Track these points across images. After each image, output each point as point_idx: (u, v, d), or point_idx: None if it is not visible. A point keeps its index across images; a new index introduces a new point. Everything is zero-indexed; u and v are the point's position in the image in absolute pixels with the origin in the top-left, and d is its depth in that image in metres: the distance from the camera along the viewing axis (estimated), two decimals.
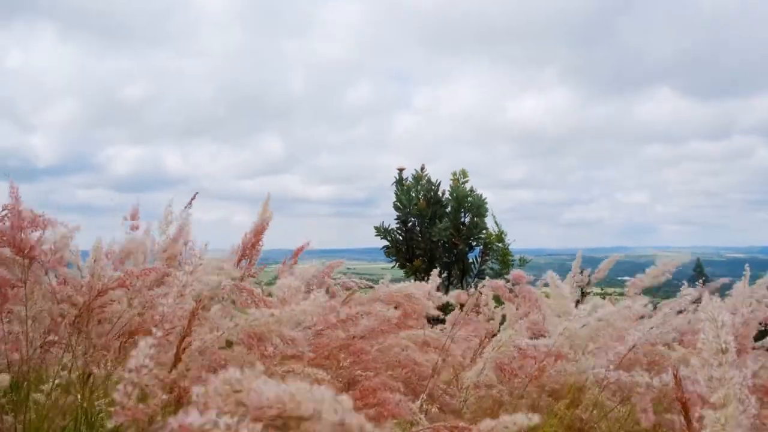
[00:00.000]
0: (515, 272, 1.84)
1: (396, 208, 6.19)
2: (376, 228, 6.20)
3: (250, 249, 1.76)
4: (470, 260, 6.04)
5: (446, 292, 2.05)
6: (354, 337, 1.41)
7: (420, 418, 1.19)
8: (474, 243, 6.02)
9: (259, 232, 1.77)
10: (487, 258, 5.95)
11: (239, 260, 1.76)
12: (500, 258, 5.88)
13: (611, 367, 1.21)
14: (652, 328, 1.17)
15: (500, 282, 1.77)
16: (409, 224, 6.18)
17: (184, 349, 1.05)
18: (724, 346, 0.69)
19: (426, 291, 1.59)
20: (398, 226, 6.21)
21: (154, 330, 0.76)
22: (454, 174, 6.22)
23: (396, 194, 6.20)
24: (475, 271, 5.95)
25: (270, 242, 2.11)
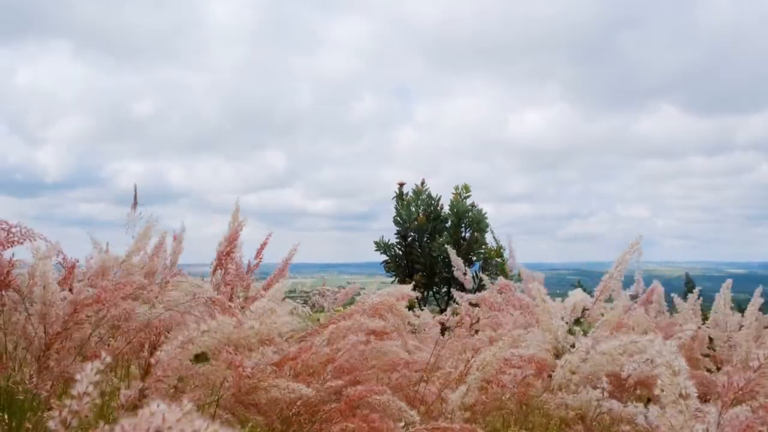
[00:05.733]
0: (502, 282, 1.83)
1: (396, 223, 6.20)
2: (376, 243, 6.20)
3: (224, 258, 1.80)
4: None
5: (446, 307, 2.05)
6: (338, 351, 1.42)
7: (411, 415, 1.20)
8: (473, 258, 6.03)
9: (231, 240, 1.82)
10: (486, 273, 5.96)
11: (214, 271, 1.80)
12: (499, 273, 5.88)
13: (605, 395, 1.21)
14: (647, 359, 1.15)
15: (486, 294, 1.77)
16: (409, 239, 6.19)
17: (149, 368, 1.05)
18: (684, 391, 0.67)
19: (404, 294, 1.60)
20: (398, 240, 6.21)
21: (103, 355, 0.71)
22: (457, 188, 6.24)
23: (396, 209, 6.21)
24: (475, 287, 5.94)
25: (271, 256, 2.11)
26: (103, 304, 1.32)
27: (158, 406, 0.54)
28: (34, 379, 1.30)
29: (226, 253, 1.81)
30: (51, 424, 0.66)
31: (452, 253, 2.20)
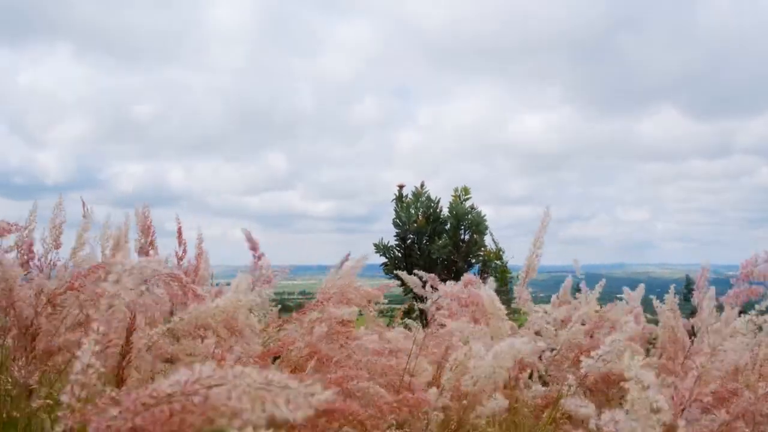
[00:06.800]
0: (467, 276, 1.76)
1: (395, 225, 6.20)
2: (375, 245, 6.20)
3: (147, 251, 1.83)
4: None
5: None
6: (315, 345, 1.40)
7: (388, 398, 1.19)
8: (473, 260, 6.03)
9: (146, 232, 1.85)
10: (485, 276, 5.96)
11: None
12: (498, 275, 5.88)
13: (574, 390, 1.21)
14: (601, 356, 1.16)
15: (455, 289, 1.70)
16: (408, 241, 6.19)
17: (129, 350, 1.05)
18: (655, 405, 0.69)
19: (355, 270, 1.57)
20: (397, 243, 6.21)
21: (95, 327, 0.73)
22: (456, 190, 6.25)
23: (395, 211, 6.22)
24: None
25: (271, 258, 2.09)
26: (78, 290, 1.30)
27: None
28: (22, 371, 1.30)
29: (149, 245, 1.84)
30: (63, 397, 0.69)
31: (405, 276, 2.07)
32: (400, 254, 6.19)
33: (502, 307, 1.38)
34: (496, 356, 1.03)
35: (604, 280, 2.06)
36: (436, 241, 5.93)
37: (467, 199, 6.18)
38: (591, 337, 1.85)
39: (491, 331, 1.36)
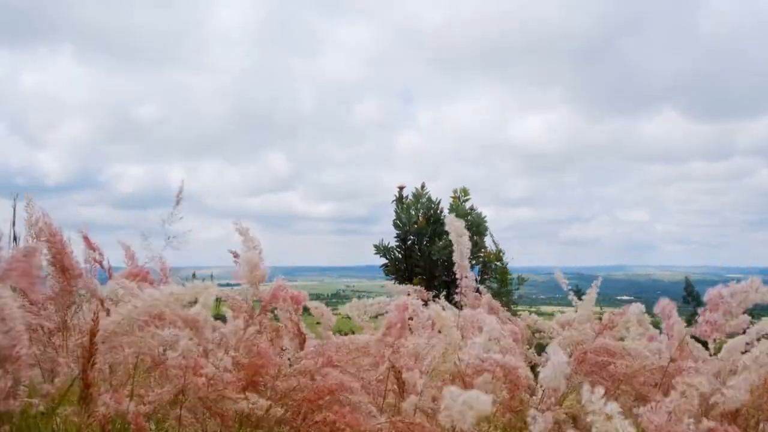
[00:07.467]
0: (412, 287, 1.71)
1: (395, 226, 6.20)
2: (376, 246, 6.20)
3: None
4: None
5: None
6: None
7: (379, 421, 1.18)
8: (473, 262, 6.02)
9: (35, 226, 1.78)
10: (486, 277, 5.96)
11: None
12: (499, 276, 5.88)
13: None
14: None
15: (429, 293, 1.66)
16: (409, 242, 6.19)
17: (94, 351, 1.01)
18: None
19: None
20: (398, 244, 6.21)
21: None
22: (455, 192, 6.24)
23: (396, 212, 6.22)
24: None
25: (271, 259, 2.09)
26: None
27: None
28: None
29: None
30: None
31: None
32: (400, 255, 6.19)
33: (451, 318, 1.31)
34: (466, 402, 0.84)
35: (599, 280, 2.02)
36: (436, 243, 5.93)
37: (466, 200, 6.18)
38: (602, 333, 1.81)
39: (443, 341, 1.29)
